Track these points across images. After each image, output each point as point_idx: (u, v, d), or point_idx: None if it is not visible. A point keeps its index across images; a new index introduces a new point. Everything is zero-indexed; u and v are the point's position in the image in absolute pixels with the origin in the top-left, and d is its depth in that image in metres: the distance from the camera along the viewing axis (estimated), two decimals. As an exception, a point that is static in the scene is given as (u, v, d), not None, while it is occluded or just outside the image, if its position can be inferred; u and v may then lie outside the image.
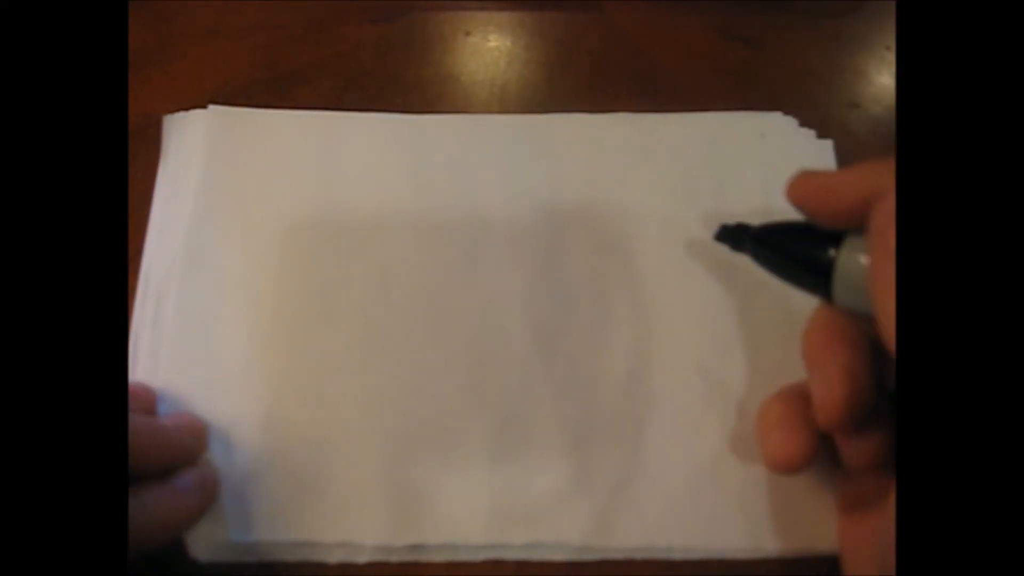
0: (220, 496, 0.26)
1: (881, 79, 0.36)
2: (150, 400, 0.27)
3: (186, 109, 0.33)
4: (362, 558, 0.26)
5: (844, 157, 0.33)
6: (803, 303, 0.25)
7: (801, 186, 0.24)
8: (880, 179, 0.21)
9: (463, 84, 0.35)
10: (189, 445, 0.26)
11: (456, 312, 0.29)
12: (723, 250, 0.28)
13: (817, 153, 0.33)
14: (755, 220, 0.27)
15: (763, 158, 0.33)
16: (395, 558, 0.26)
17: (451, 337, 0.29)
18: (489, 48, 0.37)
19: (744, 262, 0.27)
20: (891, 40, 0.37)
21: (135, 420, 0.23)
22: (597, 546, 0.26)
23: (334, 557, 0.26)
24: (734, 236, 0.28)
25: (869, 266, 0.21)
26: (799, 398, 0.25)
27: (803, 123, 0.34)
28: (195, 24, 0.36)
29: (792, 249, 0.25)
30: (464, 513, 0.26)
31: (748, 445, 0.27)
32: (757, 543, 0.26)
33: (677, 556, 0.26)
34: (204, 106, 0.33)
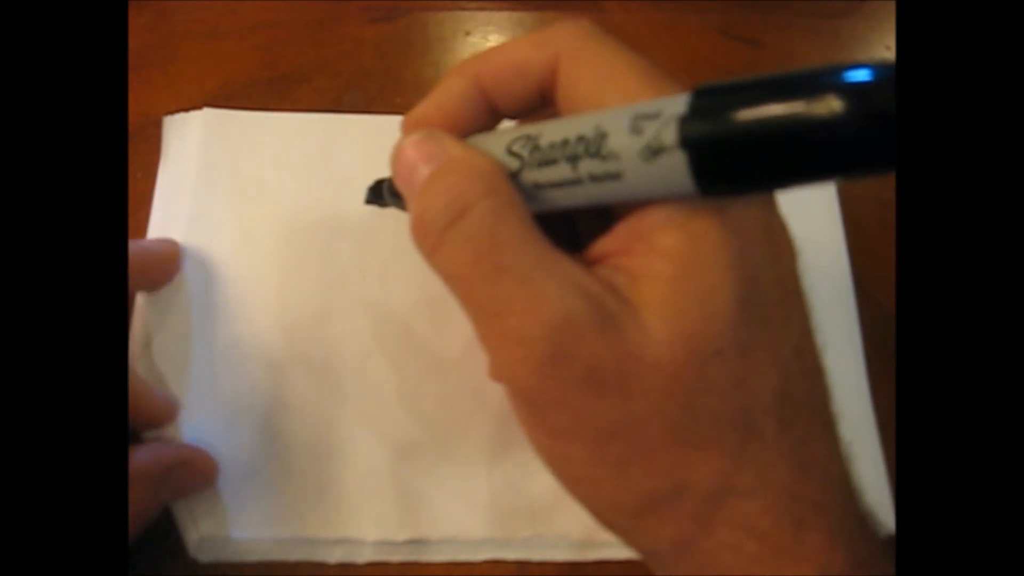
0: (220, 491, 0.26)
1: (881, 79, 0.36)
2: (171, 413, 0.27)
3: (186, 109, 0.33)
4: (363, 554, 0.26)
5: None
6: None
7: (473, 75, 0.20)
8: (558, 44, 0.19)
9: (463, 84, 0.35)
10: (159, 409, 0.26)
11: (456, 309, 0.29)
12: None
13: None
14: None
15: None
16: (396, 556, 0.26)
17: (451, 334, 0.29)
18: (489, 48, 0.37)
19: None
20: (891, 40, 0.37)
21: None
22: (598, 540, 0.26)
23: (335, 554, 0.26)
24: (377, 193, 0.26)
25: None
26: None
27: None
28: (195, 24, 0.36)
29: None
30: (465, 508, 0.26)
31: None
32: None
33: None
34: (204, 106, 0.33)
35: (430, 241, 0.18)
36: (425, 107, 0.21)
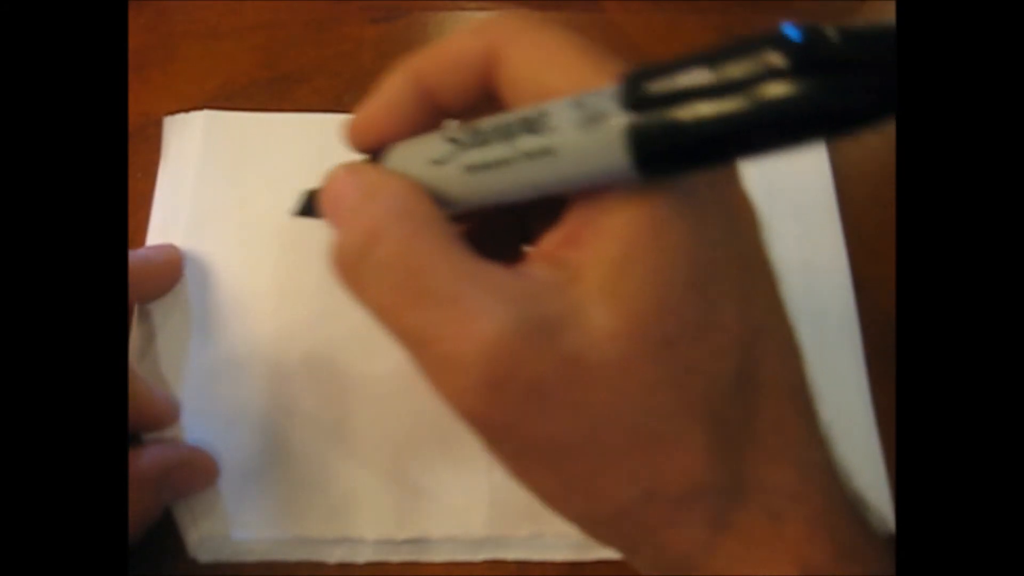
0: (220, 492, 0.26)
1: (881, 79, 0.36)
2: (172, 415, 0.27)
3: (186, 109, 0.33)
4: (363, 554, 0.26)
5: (842, 155, 0.33)
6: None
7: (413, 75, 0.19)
8: (496, 33, 0.18)
9: (463, 84, 0.35)
10: (160, 410, 0.26)
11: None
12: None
13: (815, 148, 0.33)
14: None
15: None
16: (396, 555, 0.26)
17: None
18: (489, 48, 0.37)
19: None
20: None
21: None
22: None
23: (335, 554, 0.26)
24: (308, 205, 0.23)
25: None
26: None
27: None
28: (195, 24, 0.36)
29: None
30: (465, 507, 0.26)
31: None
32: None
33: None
34: (204, 106, 0.33)
35: (348, 276, 0.17)
36: (367, 111, 0.20)
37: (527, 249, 0.18)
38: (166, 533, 0.26)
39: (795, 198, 0.32)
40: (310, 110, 0.33)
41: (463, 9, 0.37)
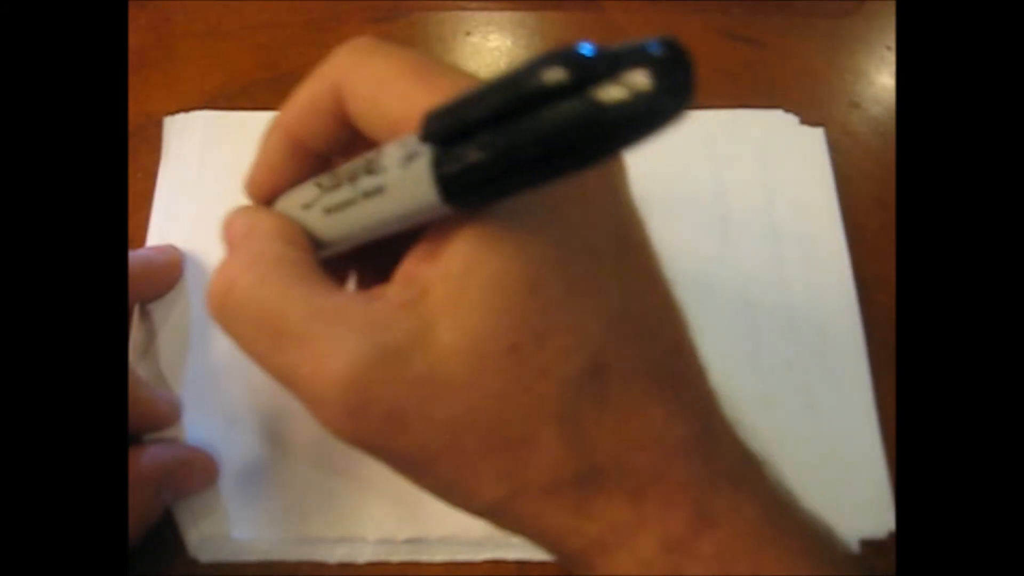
0: (220, 492, 0.26)
1: (881, 79, 0.36)
2: (173, 415, 0.27)
3: (186, 109, 0.33)
4: (364, 553, 0.26)
5: (843, 156, 0.33)
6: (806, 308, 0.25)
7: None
8: (336, 70, 0.19)
9: (463, 84, 0.35)
10: (161, 411, 0.26)
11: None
12: (714, 245, 0.28)
13: (816, 148, 0.33)
14: (754, 216, 0.27)
15: (763, 155, 0.33)
16: (396, 555, 0.26)
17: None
18: (489, 48, 0.37)
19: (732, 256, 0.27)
20: (891, 40, 0.37)
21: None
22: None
23: (336, 554, 0.26)
24: None
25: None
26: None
27: (803, 122, 0.34)
28: (195, 24, 0.36)
29: None
30: None
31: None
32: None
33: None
34: (204, 106, 0.33)
35: (217, 319, 0.18)
36: (254, 172, 0.21)
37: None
38: (166, 533, 0.26)
39: (797, 199, 0.32)
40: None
41: (464, 9, 0.37)
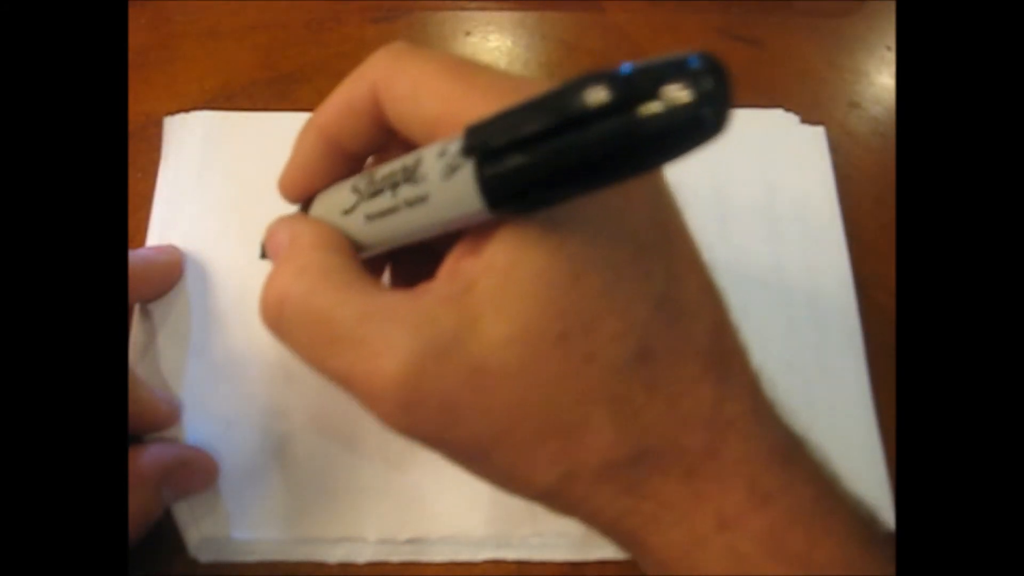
0: (220, 492, 0.26)
1: (881, 79, 0.36)
2: (173, 416, 0.27)
3: (186, 109, 0.33)
4: (364, 553, 0.26)
5: (843, 156, 0.33)
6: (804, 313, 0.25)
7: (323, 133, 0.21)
8: (373, 72, 0.19)
9: (463, 84, 0.35)
10: (161, 411, 0.26)
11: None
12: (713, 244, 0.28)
13: (816, 148, 0.33)
14: (754, 215, 0.27)
15: (763, 154, 0.33)
16: (396, 555, 0.26)
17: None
18: (489, 48, 0.37)
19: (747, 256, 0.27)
20: (891, 40, 0.37)
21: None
22: (598, 539, 0.26)
23: (336, 554, 0.26)
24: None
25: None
26: None
27: (803, 121, 0.34)
28: (195, 24, 0.36)
29: None
30: (465, 507, 0.26)
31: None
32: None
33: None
34: (204, 106, 0.33)
35: (273, 332, 0.19)
36: (288, 171, 0.22)
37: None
38: (166, 533, 0.26)
39: (797, 198, 0.32)
40: (310, 110, 0.33)
41: (464, 9, 0.37)
